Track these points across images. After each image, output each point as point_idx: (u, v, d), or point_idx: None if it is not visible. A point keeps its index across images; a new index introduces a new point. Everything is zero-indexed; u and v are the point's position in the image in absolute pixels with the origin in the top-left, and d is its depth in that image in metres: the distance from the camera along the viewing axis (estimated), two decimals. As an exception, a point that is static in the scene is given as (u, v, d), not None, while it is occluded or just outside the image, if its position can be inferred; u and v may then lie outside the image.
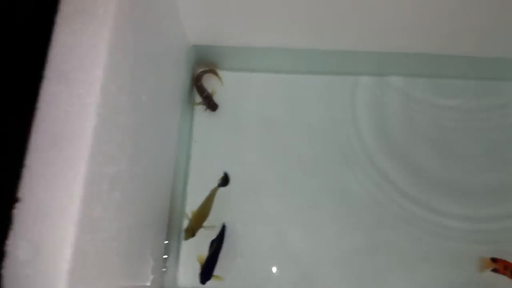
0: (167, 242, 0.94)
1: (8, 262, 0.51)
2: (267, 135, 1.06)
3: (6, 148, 0.63)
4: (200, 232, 0.91)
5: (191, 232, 0.89)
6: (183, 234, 0.92)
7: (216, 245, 0.91)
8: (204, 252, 0.90)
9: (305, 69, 1.08)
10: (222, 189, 0.97)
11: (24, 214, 0.53)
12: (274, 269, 0.95)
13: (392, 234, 0.97)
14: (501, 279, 0.88)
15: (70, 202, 0.54)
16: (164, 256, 0.93)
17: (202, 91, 1.06)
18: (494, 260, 0.86)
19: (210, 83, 1.08)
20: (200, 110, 1.07)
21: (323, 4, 0.93)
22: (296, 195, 1.00)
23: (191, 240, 0.90)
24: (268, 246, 0.97)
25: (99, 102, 0.58)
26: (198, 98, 1.07)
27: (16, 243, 0.52)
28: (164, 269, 0.92)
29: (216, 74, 1.09)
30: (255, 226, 0.98)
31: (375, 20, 0.96)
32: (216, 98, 1.07)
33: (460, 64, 1.06)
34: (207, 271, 0.87)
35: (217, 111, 1.06)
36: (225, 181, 0.98)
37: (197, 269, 0.89)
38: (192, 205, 0.96)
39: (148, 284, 0.86)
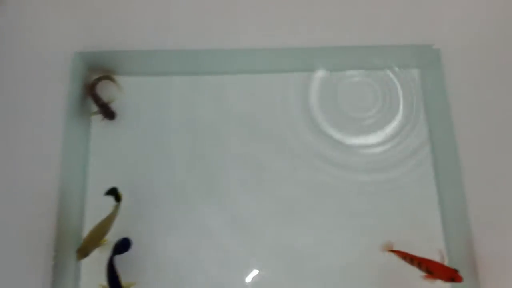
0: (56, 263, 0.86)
1: None
2: (172, 141, 1.00)
3: None
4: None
5: (83, 252, 0.82)
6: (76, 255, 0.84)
7: (108, 261, 0.84)
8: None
9: (201, 70, 1.04)
10: (128, 203, 0.91)
11: None
12: (184, 279, 0.90)
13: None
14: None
15: None
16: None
17: (97, 99, 0.99)
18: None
19: (108, 90, 1.02)
20: (98, 120, 1.00)
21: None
22: (201, 201, 0.95)
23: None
24: (178, 256, 0.92)
25: None
26: (95, 107, 1.00)
27: None
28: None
29: (113, 80, 1.02)
30: (163, 236, 0.93)
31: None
32: (116, 106, 1.01)
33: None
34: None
35: (117, 119, 1.00)
36: (112, 194, 0.90)
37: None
38: (93, 220, 0.88)
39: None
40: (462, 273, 0.80)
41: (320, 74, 1.05)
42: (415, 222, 0.96)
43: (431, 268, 0.82)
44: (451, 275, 0.80)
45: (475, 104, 0.92)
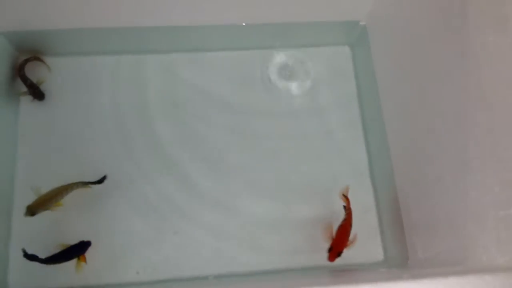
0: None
1: None
2: (104, 123, 1.01)
3: None
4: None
5: (31, 210, 0.84)
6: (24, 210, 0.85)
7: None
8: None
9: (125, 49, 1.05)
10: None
11: None
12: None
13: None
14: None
15: None
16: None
17: (25, 80, 0.98)
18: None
19: (38, 71, 1.02)
20: (27, 100, 1.00)
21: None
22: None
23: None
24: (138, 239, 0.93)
25: None
26: (24, 88, 1.00)
27: None
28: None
29: (42, 60, 1.02)
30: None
31: None
32: (46, 87, 1.01)
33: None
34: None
35: (45, 100, 1.00)
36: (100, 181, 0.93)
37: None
38: (21, 207, 0.88)
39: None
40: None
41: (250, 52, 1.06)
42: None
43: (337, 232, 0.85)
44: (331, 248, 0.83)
45: (398, 70, 0.94)
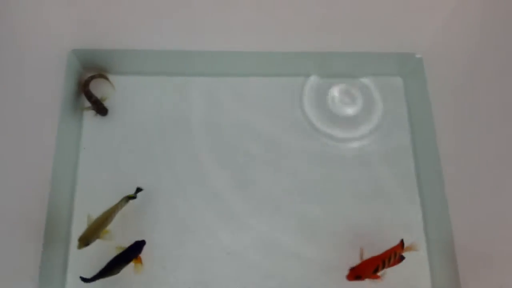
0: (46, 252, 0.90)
1: None
2: (164, 139, 1.04)
3: None
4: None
5: (84, 241, 0.85)
6: (77, 243, 0.88)
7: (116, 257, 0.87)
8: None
9: (191, 71, 1.08)
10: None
11: None
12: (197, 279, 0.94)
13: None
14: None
15: None
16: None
17: (89, 96, 1.03)
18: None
19: (102, 88, 1.07)
20: (90, 115, 1.05)
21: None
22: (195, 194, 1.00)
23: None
24: (190, 255, 0.95)
25: None
26: (87, 103, 1.04)
27: None
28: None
29: (106, 78, 1.07)
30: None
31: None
32: (109, 104, 1.05)
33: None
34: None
35: (108, 115, 1.05)
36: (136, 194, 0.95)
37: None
38: (82, 214, 0.93)
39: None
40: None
41: (306, 79, 1.09)
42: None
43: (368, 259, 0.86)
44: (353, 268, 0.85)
45: (457, 110, 0.94)
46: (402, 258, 0.86)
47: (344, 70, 1.08)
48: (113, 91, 1.07)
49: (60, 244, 0.93)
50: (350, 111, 1.07)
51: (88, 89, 1.04)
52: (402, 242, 0.86)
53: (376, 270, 0.85)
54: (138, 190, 0.96)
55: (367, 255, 0.87)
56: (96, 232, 0.88)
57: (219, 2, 0.92)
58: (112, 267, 0.86)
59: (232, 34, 1.01)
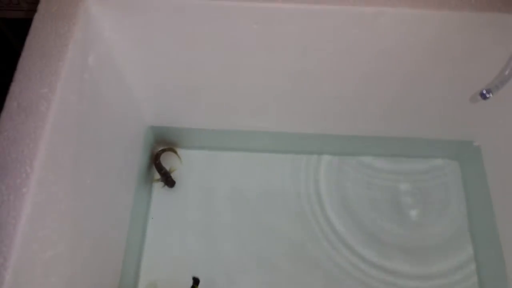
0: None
1: None
2: (227, 212, 1.09)
3: None
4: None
5: None
6: None
7: None
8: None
9: (257, 148, 1.15)
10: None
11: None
12: None
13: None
14: None
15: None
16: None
17: (160, 168, 1.10)
18: None
19: (169, 161, 1.14)
20: (159, 186, 1.12)
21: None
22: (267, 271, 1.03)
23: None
24: None
25: (35, 192, 0.62)
26: (157, 175, 1.11)
27: None
28: None
29: (175, 152, 1.14)
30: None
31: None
32: (176, 175, 1.12)
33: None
34: None
35: (175, 187, 1.11)
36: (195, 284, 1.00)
37: None
38: (145, 282, 0.98)
39: None
40: None
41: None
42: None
43: None
44: None
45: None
46: None
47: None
48: (180, 164, 1.14)
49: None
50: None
51: (159, 162, 1.11)
52: None
53: None
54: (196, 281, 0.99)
55: None
56: None
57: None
58: None
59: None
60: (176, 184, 1.11)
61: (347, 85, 0.95)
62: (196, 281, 0.99)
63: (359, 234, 1.04)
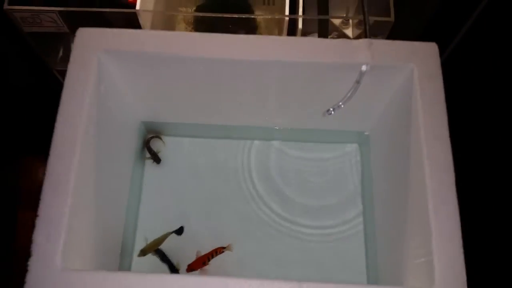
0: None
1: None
2: (196, 183, 1.55)
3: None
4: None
5: (143, 252, 1.38)
6: (138, 253, 1.40)
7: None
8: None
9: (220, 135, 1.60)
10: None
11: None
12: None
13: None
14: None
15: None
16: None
17: (150, 150, 1.58)
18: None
19: (156, 144, 1.61)
20: (149, 163, 1.59)
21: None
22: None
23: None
24: None
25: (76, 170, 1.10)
26: (148, 155, 1.59)
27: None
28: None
29: (160, 138, 1.61)
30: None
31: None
32: (161, 155, 1.59)
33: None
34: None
35: (161, 164, 1.58)
36: (179, 232, 1.44)
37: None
38: (142, 236, 1.44)
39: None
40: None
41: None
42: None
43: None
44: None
45: (387, 171, 1.44)
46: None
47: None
48: (164, 147, 1.62)
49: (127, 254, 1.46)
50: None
51: (149, 145, 1.59)
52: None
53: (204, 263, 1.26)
54: (181, 229, 1.40)
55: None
56: (150, 248, 1.40)
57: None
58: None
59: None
60: (162, 161, 1.59)
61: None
62: (180, 230, 1.44)
63: (274, 195, 1.51)
